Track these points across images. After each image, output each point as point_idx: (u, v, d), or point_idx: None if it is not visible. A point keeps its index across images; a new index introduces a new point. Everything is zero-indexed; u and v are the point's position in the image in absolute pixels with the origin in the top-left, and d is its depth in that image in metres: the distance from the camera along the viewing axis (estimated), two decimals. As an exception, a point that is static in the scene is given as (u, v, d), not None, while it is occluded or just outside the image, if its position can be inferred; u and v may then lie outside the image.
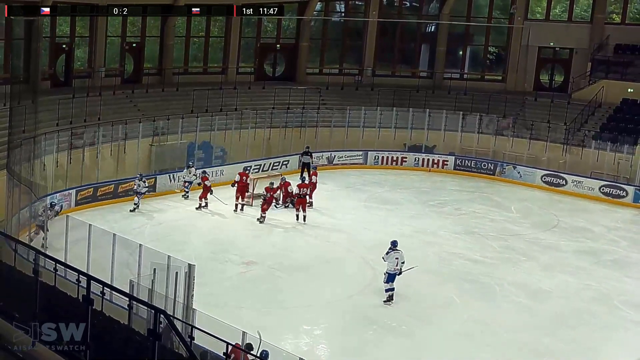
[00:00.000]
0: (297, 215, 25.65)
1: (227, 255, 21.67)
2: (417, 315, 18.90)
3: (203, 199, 26.51)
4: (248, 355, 12.48)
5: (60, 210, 23.60)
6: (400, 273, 19.07)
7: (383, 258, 19.26)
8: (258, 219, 25.25)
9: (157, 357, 9.03)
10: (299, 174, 29.79)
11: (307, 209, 25.88)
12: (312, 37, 39.37)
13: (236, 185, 26.71)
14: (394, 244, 19.43)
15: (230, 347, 12.56)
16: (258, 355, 13.15)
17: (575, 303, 20.30)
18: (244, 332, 13.83)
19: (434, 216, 27.51)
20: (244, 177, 26.92)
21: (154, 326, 9.16)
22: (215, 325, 14.49)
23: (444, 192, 31.19)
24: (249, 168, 29.25)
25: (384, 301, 19.04)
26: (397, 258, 19.07)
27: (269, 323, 17.57)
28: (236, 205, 26.51)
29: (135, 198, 25.76)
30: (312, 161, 30.94)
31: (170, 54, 35.33)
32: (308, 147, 31.83)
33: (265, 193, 25.64)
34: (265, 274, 20.77)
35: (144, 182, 26.17)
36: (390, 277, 19.06)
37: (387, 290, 19.10)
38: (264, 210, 25.28)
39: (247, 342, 13.59)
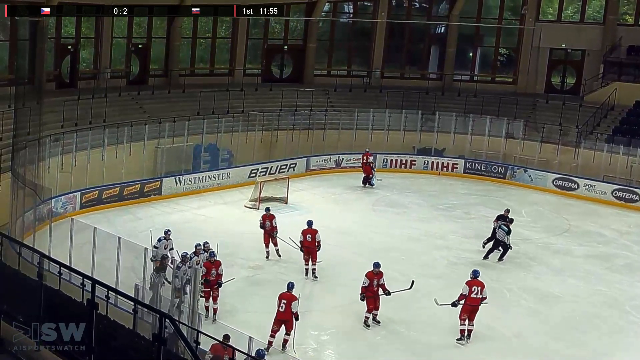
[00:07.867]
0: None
1: (234, 259, 21.44)
2: (426, 320, 18.63)
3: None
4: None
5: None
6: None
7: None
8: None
9: (162, 363, 9.00)
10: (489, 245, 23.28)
11: None
12: (319, 38, 39.17)
13: None
14: None
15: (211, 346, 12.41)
16: (254, 354, 12.97)
17: (585, 308, 20.11)
18: (250, 337, 13.71)
19: (443, 220, 27.26)
20: None
21: (159, 331, 9.14)
22: (221, 330, 14.38)
23: (453, 195, 30.90)
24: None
25: None
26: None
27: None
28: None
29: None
30: (508, 231, 22.77)
31: (176, 55, 35.20)
32: (508, 211, 23.85)
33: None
34: (271, 277, 20.58)
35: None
36: None
37: None
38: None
39: (258, 348, 13.36)
